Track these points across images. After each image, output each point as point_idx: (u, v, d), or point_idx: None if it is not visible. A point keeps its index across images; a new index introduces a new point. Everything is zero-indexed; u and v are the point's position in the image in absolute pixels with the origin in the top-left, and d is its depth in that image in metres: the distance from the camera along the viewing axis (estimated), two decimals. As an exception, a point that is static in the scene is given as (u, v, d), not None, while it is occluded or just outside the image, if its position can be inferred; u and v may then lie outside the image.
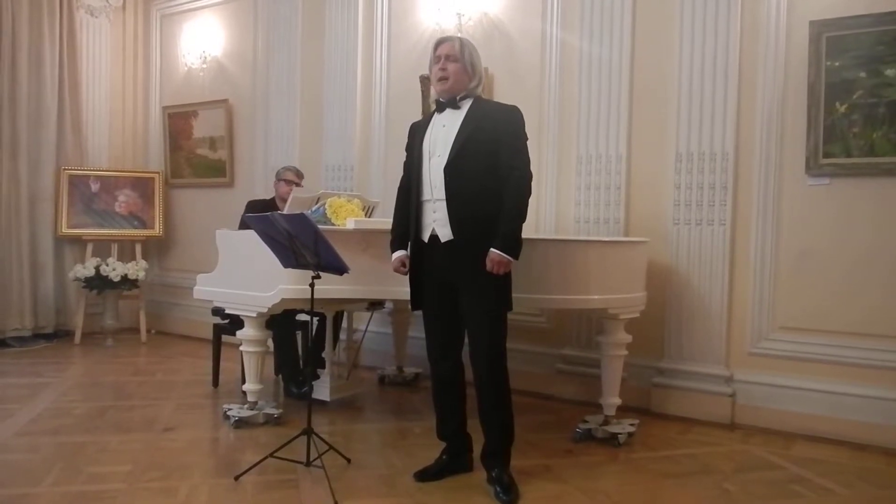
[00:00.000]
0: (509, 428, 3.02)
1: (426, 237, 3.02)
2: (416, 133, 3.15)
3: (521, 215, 2.92)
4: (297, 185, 4.82)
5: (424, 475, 3.08)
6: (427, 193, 3.01)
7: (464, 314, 3.00)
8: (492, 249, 2.84)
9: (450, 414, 3.15)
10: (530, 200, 2.95)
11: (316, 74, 5.78)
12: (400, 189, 3.22)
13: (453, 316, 3.05)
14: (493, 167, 2.92)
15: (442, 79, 3.02)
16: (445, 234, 2.95)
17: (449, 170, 2.92)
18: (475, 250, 2.88)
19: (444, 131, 3.01)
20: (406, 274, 3.13)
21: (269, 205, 4.76)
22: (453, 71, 3.00)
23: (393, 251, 3.17)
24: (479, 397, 3.00)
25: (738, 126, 4.05)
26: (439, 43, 3.10)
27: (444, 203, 2.93)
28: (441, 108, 3.07)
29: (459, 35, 3.13)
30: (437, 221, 2.97)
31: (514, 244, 2.88)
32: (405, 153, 3.21)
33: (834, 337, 3.83)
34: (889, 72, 3.62)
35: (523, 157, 2.97)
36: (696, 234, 4.15)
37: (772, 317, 4.01)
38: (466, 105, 3.01)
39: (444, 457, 3.15)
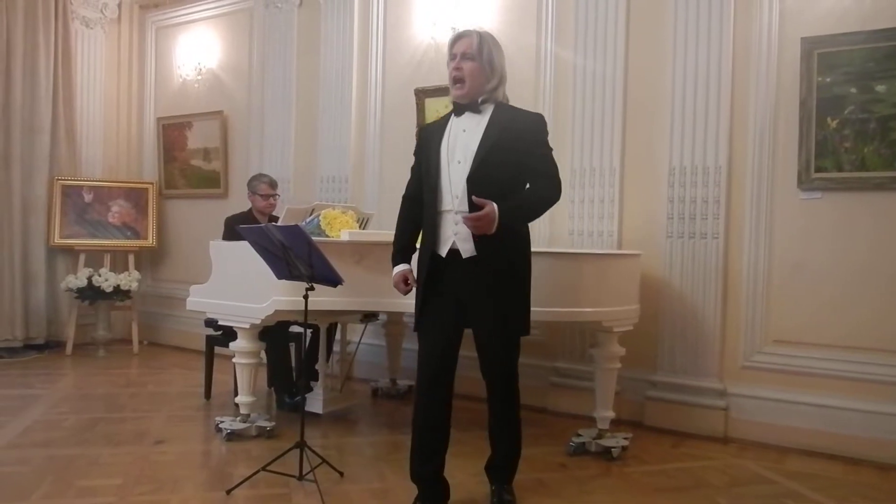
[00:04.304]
0: (517, 443, 2.92)
1: (444, 252, 2.74)
2: (431, 137, 2.85)
3: (537, 211, 2.78)
4: (274, 195, 4.74)
5: None
6: (447, 203, 2.72)
7: (477, 333, 2.77)
8: (493, 204, 2.56)
9: (431, 451, 2.78)
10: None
11: (311, 86, 5.79)
12: (405, 198, 2.96)
13: (458, 336, 2.78)
14: (517, 178, 2.74)
15: (457, 80, 2.74)
16: (468, 249, 2.69)
17: (473, 179, 2.66)
18: (497, 267, 2.68)
19: (464, 136, 2.74)
20: (407, 293, 2.87)
21: (249, 217, 4.65)
22: (469, 71, 2.72)
23: (395, 265, 2.89)
24: (490, 412, 2.89)
25: (730, 140, 4.08)
26: (455, 39, 2.78)
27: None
28: (459, 111, 2.79)
29: (479, 30, 2.79)
30: (458, 235, 2.70)
31: (512, 219, 2.64)
32: (413, 158, 2.96)
33: (827, 350, 3.84)
34: (880, 88, 3.66)
35: (552, 165, 2.78)
36: (690, 248, 4.16)
37: (765, 330, 4.02)
38: (489, 110, 2.76)
39: None
